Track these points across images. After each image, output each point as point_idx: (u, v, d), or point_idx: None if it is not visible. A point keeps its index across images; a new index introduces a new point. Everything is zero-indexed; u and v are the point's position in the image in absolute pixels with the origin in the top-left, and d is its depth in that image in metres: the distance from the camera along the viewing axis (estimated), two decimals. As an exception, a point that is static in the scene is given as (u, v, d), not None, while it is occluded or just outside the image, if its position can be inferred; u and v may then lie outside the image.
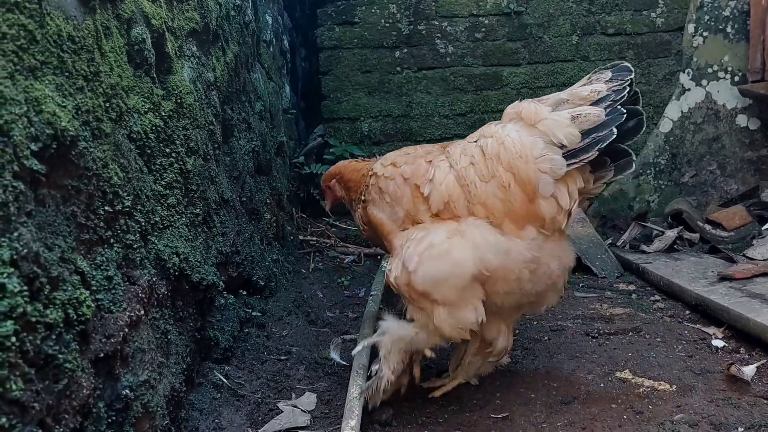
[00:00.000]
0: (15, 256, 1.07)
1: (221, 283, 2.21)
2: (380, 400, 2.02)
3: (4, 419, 1.00)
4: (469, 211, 1.94)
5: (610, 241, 4.40)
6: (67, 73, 1.32)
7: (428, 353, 2.05)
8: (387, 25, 5.11)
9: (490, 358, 2.21)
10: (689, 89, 4.67)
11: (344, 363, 2.53)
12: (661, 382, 2.15)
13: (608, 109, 1.78)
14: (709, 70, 4.62)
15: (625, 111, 1.76)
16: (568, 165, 1.79)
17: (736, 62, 4.54)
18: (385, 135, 5.24)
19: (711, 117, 4.63)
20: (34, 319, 1.10)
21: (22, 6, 1.17)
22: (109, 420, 1.37)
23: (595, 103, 1.81)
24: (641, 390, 2.11)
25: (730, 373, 2.12)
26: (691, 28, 4.67)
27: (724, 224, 4.13)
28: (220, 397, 2.08)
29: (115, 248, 1.51)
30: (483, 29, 5.06)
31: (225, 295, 2.49)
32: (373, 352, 2.18)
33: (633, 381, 2.19)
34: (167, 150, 1.94)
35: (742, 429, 1.79)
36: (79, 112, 1.36)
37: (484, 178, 1.91)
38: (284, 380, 2.33)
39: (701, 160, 4.66)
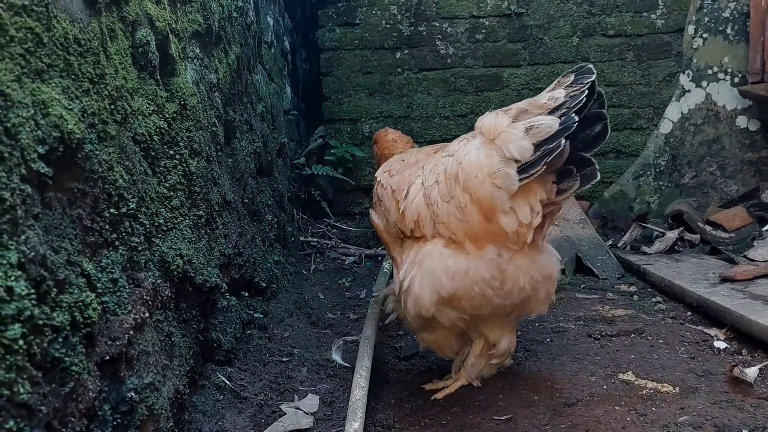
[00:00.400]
0: (22, 259, 1.07)
1: (224, 284, 2.21)
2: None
3: (12, 422, 1.00)
4: (435, 230, 1.96)
5: (610, 242, 4.41)
6: (73, 76, 1.32)
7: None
8: (388, 26, 5.12)
9: (494, 360, 2.22)
10: (689, 90, 4.68)
11: (346, 365, 2.53)
12: (664, 384, 2.16)
13: (563, 118, 1.67)
14: (709, 72, 4.63)
15: (576, 119, 1.65)
16: (520, 180, 1.73)
17: (736, 63, 4.55)
18: (386, 136, 5.24)
19: (711, 118, 4.64)
20: (41, 322, 1.10)
21: (30, 9, 1.17)
22: (115, 423, 1.37)
23: (552, 111, 1.70)
24: (644, 392, 2.11)
25: (733, 375, 2.12)
26: (691, 29, 4.68)
27: (725, 225, 4.14)
28: (223, 399, 2.07)
29: (120, 251, 1.50)
30: (483, 30, 5.06)
31: (227, 297, 2.49)
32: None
33: (636, 383, 2.19)
34: (171, 152, 1.94)
35: (747, 431, 1.79)
36: (85, 114, 1.36)
37: (445, 198, 1.91)
38: (286, 382, 2.33)
39: (701, 161, 4.67)
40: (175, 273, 1.83)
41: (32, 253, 1.10)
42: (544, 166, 1.69)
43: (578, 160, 1.76)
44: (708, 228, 4.19)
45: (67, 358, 1.17)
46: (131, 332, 1.45)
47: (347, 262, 4.24)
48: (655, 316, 2.95)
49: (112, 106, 1.54)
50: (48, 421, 1.10)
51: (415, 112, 5.17)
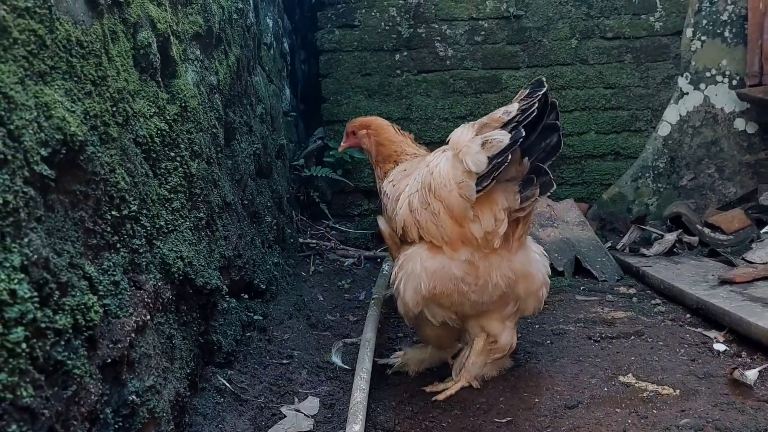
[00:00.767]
0: (25, 262, 1.06)
1: (224, 287, 2.21)
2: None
3: (14, 426, 1.00)
4: (419, 235, 2.13)
5: (609, 244, 4.41)
6: (75, 78, 1.32)
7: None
8: (387, 28, 5.12)
9: (495, 354, 2.24)
10: (687, 93, 4.70)
11: (346, 367, 2.53)
12: (665, 386, 2.16)
13: (513, 132, 1.78)
14: (708, 74, 4.64)
15: (523, 133, 1.75)
16: (477, 192, 1.86)
17: (734, 66, 4.56)
18: (385, 138, 5.24)
19: (709, 120, 4.65)
20: (43, 325, 1.09)
21: (33, 11, 1.17)
22: (116, 426, 1.36)
23: (505, 125, 1.82)
24: (645, 394, 2.11)
25: (733, 377, 2.12)
26: (689, 32, 4.69)
27: (723, 227, 4.14)
28: (223, 402, 2.07)
29: (122, 253, 1.50)
30: (482, 32, 5.07)
31: (227, 299, 2.49)
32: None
33: (636, 385, 2.19)
34: (172, 154, 1.93)
35: (747, 433, 1.80)
36: (88, 116, 1.36)
37: (423, 205, 2.08)
38: (286, 384, 2.32)
39: (700, 163, 4.68)
40: (176, 275, 1.83)
41: (35, 256, 1.09)
42: (493, 180, 1.82)
43: (540, 170, 1.90)
44: (706, 230, 4.20)
45: (69, 361, 1.16)
46: (133, 335, 1.44)
47: (346, 263, 4.24)
48: (655, 318, 2.95)
49: (114, 108, 1.53)
50: (50, 425, 1.10)
51: (414, 113, 5.17)
